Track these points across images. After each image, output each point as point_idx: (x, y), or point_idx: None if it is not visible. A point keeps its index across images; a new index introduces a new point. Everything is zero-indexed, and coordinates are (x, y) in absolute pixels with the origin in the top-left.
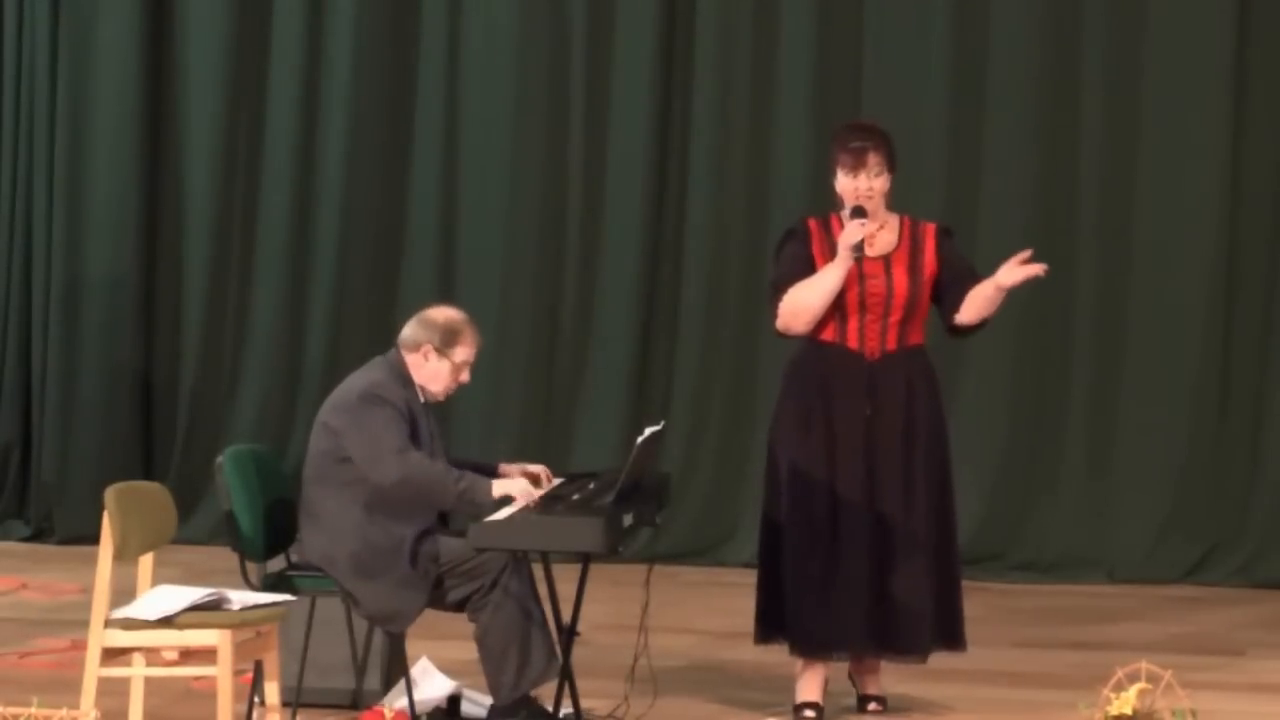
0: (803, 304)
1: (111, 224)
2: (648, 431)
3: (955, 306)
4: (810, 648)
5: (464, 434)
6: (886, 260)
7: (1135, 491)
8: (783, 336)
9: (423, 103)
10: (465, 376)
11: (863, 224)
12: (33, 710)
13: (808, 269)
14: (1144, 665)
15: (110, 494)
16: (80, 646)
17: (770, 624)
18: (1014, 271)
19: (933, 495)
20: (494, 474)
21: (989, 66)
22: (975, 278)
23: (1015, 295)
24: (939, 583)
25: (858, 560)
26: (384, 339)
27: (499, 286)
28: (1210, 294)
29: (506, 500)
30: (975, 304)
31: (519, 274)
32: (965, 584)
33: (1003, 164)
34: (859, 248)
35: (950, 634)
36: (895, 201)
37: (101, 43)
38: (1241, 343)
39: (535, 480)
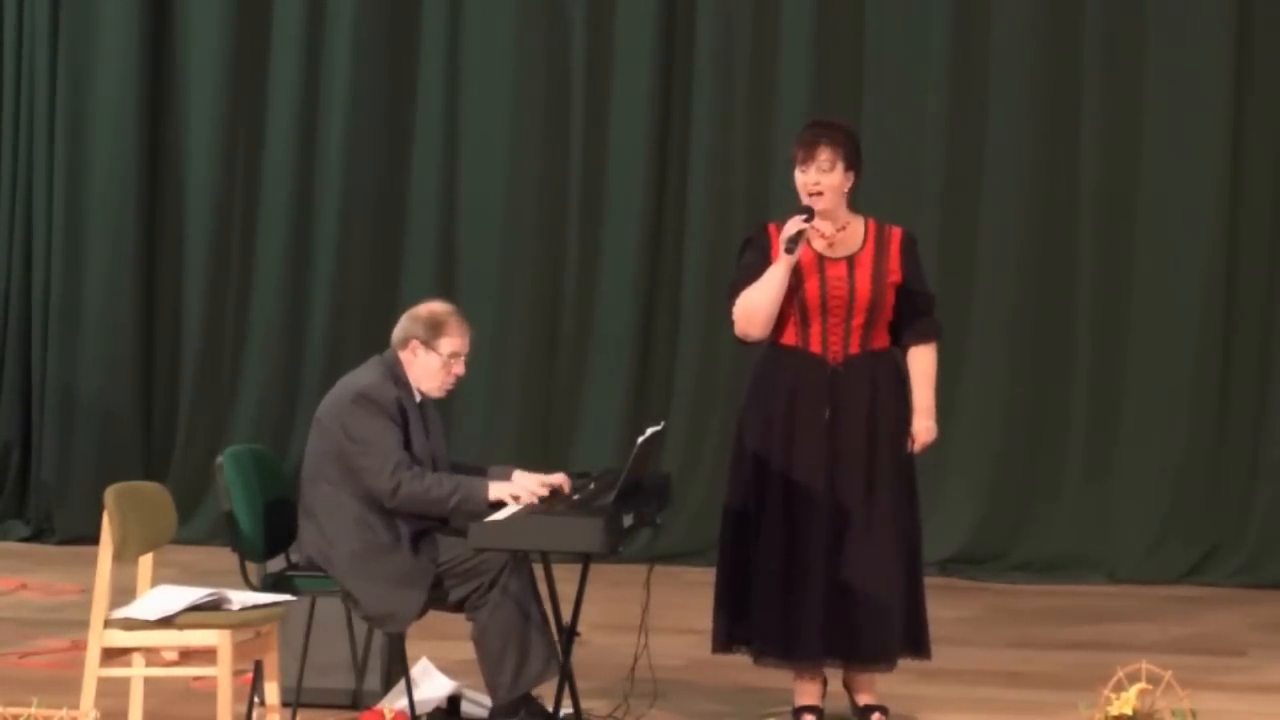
0: (753, 305)
1: (111, 224)
2: (648, 431)
3: (902, 340)
4: (774, 655)
5: (464, 434)
6: (850, 262)
7: (1135, 492)
8: (742, 343)
9: (423, 103)
10: (459, 369)
11: (804, 219)
12: (33, 710)
13: (763, 274)
14: (1144, 665)
15: (110, 494)
16: (80, 646)
17: (729, 633)
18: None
19: (897, 501)
20: (502, 479)
21: (989, 66)
22: (927, 311)
23: (1015, 294)
24: (903, 589)
25: (818, 567)
26: (384, 339)
27: (499, 286)
28: (1210, 294)
29: (503, 503)
30: (912, 378)
31: (519, 274)
32: (966, 584)
33: (1003, 164)
34: (794, 241)
35: (915, 641)
36: (895, 199)
37: (101, 42)
38: (1241, 343)
39: (551, 490)
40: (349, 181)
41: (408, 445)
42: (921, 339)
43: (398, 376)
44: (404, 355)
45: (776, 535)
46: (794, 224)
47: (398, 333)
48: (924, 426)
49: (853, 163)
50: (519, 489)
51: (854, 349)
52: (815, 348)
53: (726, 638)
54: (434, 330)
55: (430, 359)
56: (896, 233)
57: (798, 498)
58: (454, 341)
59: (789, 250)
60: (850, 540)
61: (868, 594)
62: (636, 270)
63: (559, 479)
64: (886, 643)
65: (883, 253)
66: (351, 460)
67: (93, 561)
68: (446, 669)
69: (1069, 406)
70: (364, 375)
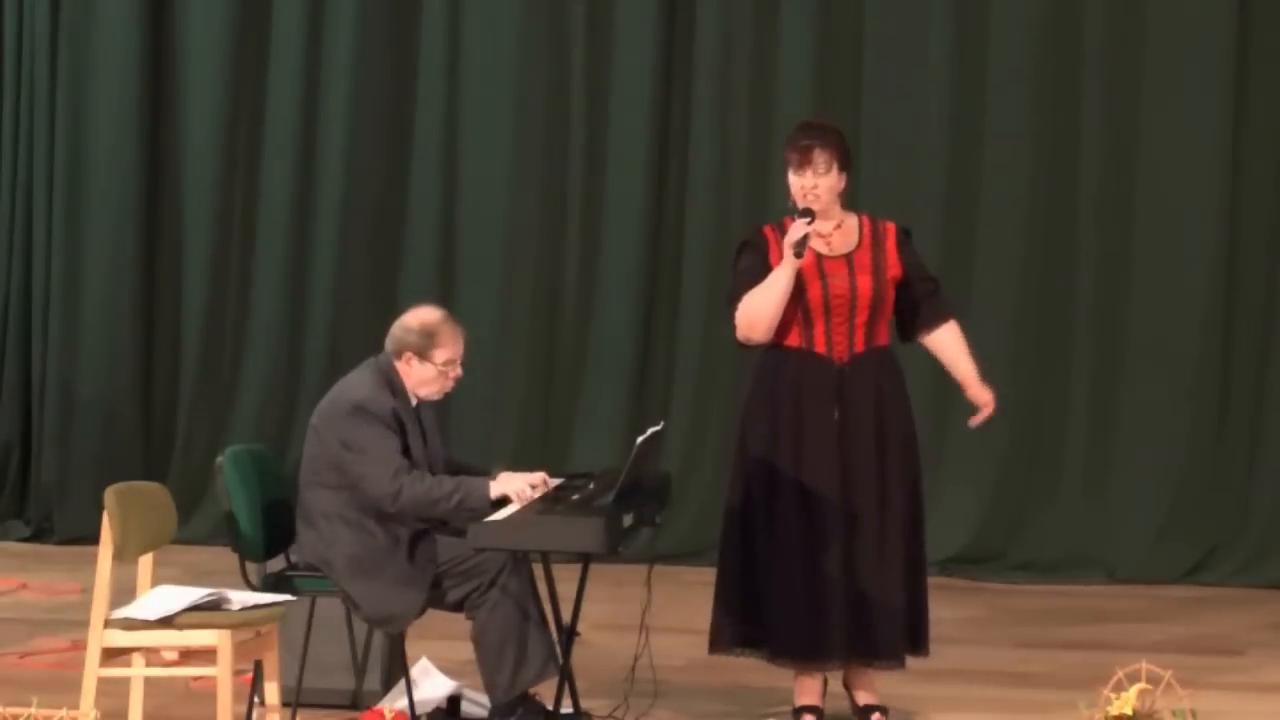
0: (757, 309)
1: (111, 223)
2: (648, 431)
3: (918, 328)
4: (796, 656)
5: (464, 434)
6: (848, 259)
7: (1135, 491)
8: (744, 347)
9: (423, 103)
10: (457, 372)
11: (807, 222)
12: (33, 710)
13: (763, 277)
14: (1144, 665)
15: (110, 494)
16: (80, 646)
17: (733, 635)
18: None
19: (905, 499)
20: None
21: (989, 66)
22: (935, 292)
23: (1015, 294)
24: (908, 587)
25: (833, 566)
26: (384, 339)
27: (499, 286)
28: (1210, 294)
29: (504, 501)
30: (944, 358)
31: (519, 273)
32: (965, 584)
33: (1003, 164)
34: (801, 245)
35: (915, 638)
36: (895, 199)
37: (101, 41)
38: (1241, 343)
39: (533, 486)
40: (349, 181)
41: (406, 453)
42: (939, 319)
43: (393, 383)
44: (399, 365)
45: (793, 537)
46: (799, 227)
47: (390, 343)
48: (985, 397)
49: (845, 163)
50: (516, 487)
51: (858, 347)
52: (820, 348)
53: (730, 640)
54: (427, 342)
55: (425, 369)
56: (890, 228)
57: (812, 499)
58: (447, 351)
59: (797, 254)
60: (864, 539)
61: (882, 594)
62: (636, 270)
63: (539, 477)
64: (898, 642)
65: (879, 249)
66: (350, 469)
67: (93, 561)
68: (446, 669)
69: (1069, 406)
70: (359, 384)
